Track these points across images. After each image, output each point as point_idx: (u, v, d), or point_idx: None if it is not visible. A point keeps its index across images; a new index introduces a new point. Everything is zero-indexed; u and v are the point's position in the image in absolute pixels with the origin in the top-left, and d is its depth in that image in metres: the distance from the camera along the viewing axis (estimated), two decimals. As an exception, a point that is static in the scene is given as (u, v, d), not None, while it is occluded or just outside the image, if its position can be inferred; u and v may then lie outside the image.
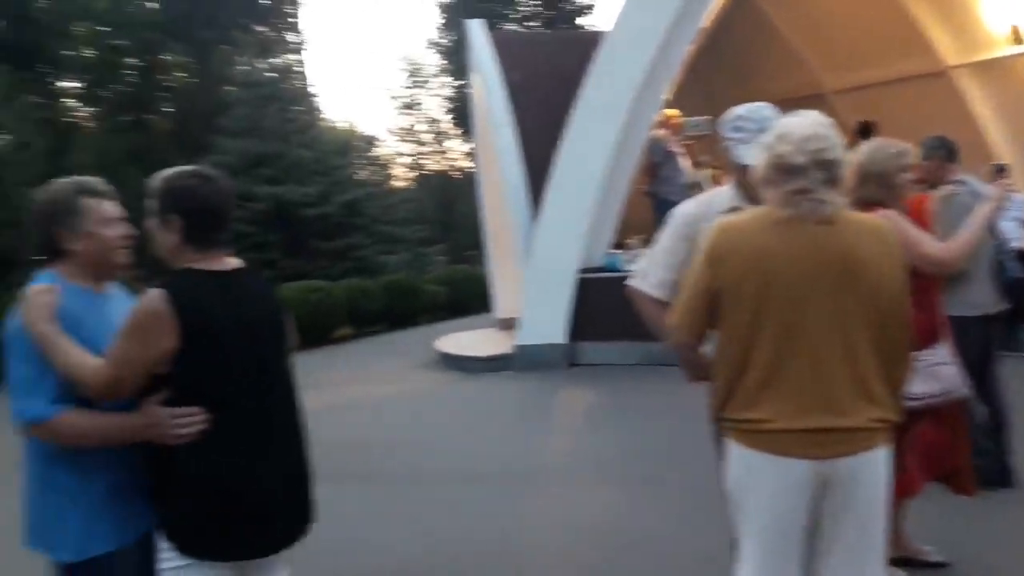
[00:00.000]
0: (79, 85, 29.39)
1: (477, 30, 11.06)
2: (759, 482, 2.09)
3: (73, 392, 2.00)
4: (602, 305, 8.54)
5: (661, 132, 9.29)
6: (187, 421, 1.99)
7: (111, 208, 2.17)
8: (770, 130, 2.28)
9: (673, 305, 2.29)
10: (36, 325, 2.00)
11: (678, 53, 8.93)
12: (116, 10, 27.22)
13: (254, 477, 2.07)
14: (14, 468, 2.13)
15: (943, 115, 10.19)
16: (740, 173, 2.55)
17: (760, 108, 2.56)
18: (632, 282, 2.75)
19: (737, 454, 2.14)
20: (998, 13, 10.45)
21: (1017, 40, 10.33)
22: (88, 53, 28.37)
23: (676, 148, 9.33)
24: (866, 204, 2.95)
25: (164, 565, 2.06)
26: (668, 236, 2.69)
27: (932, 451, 3.24)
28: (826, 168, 2.04)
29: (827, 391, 2.04)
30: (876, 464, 2.09)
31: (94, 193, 2.16)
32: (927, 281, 3.02)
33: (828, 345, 2.04)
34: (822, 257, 2.04)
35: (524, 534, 4.19)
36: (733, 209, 2.52)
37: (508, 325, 9.95)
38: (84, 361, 1.98)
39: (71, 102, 29.76)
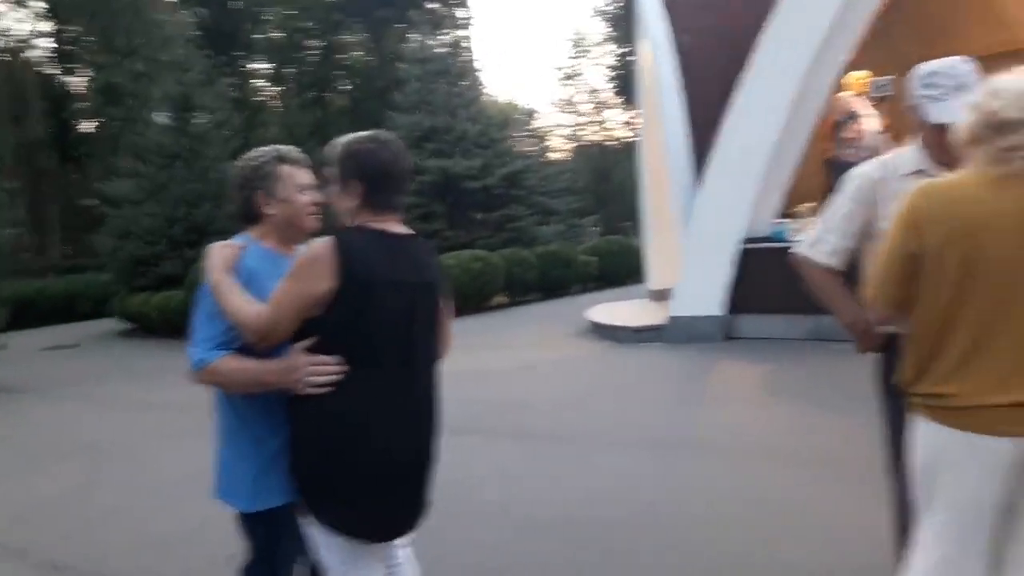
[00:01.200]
0: (268, 66, 31.73)
1: (646, -5, 10.83)
2: (953, 461, 1.97)
3: (238, 340, 2.09)
4: (766, 276, 8.20)
5: (845, 94, 8.73)
6: (323, 370, 2.01)
7: (305, 175, 2.29)
8: (968, 86, 2.16)
9: (870, 276, 2.14)
10: (211, 274, 2.14)
11: (862, 10, 8.32)
12: (305, -6, 28.95)
13: (383, 443, 2.04)
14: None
15: None
16: (930, 133, 2.36)
17: (956, 63, 2.35)
18: (799, 250, 2.58)
19: (928, 431, 2.02)
20: None
21: None
22: (276, 35, 30.50)
23: (862, 110, 8.74)
24: None
25: (306, 521, 2.09)
26: (845, 200, 2.50)
27: None
28: None
29: None
30: None
31: (291, 161, 2.29)
32: None
33: None
34: None
35: (679, 502, 4.12)
36: (919, 172, 2.34)
37: (661, 296, 9.79)
38: (247, 306, 2.07)
39: (260, 83, 32.20)
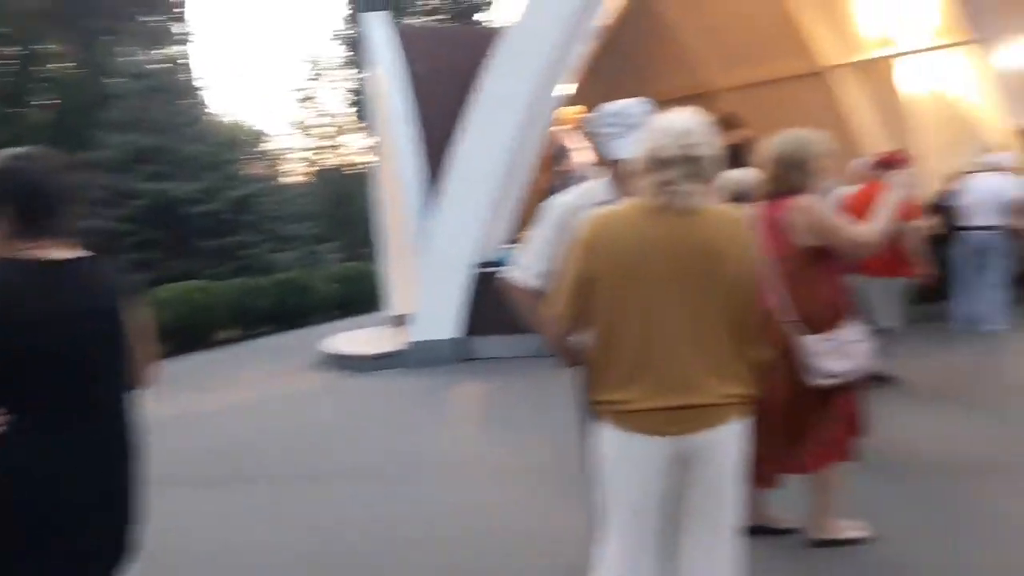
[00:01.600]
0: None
1: (376, 23, 10.81)
2: (623, 460, 2.22)
3: None
4: (497, 299, 8.45)
5: (559, 128, 9.30)
6: None
7: None
8: (640, 125, 2.44)
9: (551, 294, 2.36)
10: None
11: (575, 51, 8.96)
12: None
13: (61, 491, 1.88)
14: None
15: (822, 113, 10.63)
16: (612, 167, 2.64)
17: (630, 105, 2.65)
18: (508, 274, 2.76)
19: (605, 435, 2.25)
20: (870, 16, 11.04)
21: (887, 42, 10.93)
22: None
23: (575, 144, 9.36)
24: (786, 191, 3.21)
25: None
26: (546, 228, 2.73)
27: (853, 418, 3.40)
28: (694, 162, 2.15)
29: (683, 371, 2.17)
30: (729, 438, 2.22)
31: None
32: (833, 262, 3.23)
33: (684, 328, 2.17)
34: (681, 246, 2.16)
35: (408, 527, 4.14)
36: (606, 202, 2.59)
37: (402, 322, 9.76)
38: None
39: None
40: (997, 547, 3.40)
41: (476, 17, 28.89)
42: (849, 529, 3.45)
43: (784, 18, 11.56)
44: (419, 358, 8.50)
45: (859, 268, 5.59)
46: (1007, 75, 10.29)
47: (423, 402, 7.33)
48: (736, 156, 8.58)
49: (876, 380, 5.65)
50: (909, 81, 11.07)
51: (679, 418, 2.16)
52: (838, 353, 3.14)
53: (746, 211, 3.36)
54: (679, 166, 2.14)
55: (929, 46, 10.68)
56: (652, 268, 2.16)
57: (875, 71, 11.30)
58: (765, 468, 3.34)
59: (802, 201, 3.18)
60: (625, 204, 2.30)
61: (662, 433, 2.17)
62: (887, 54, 11.07)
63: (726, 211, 2.30)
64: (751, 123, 8.31)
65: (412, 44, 10.56)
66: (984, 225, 7.61)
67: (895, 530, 3.56)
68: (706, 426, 2.17)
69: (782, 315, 3.15)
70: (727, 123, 9.06)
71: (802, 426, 3.28)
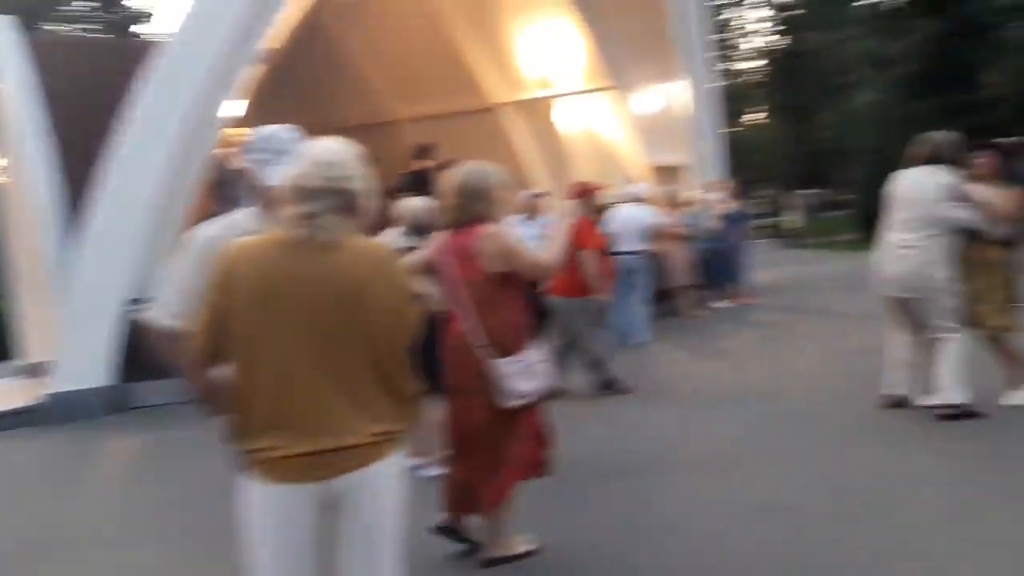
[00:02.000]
0: None
1: (2, 29, 9.26)
2: (269, 510, 2.08)
3: None
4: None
5: (223, 151, 8.68)
6: None
7: None
8: (288, 152, 2.39)
9: (189, 333, 2.18)
10: None
11: (240, 71, 8.49)
12: None
13: None
14: None
15: (492, 146, 11.29)
16: (261, 195, 2.52)
17: (280, 131, 2.57)
18: (146, 313, 2.52)
19: (248, 485, 2.11)
20: (530, 60, 12.02)
21: (545, 84, 11.98)
22: None
23: (240, 168, 8.81)
24: (470, 220, 3.33)
25: None
26: (187, 261, 2.50)
27: (540, 434, 3.53)
28: (340, 194, 2.08)
29: (325, 413, 2.05)
30: (382, 475, 2.13)
31: None
32: (518, 287, 3.40)
33: (325, 367, 2.06)
34: (320, 281, 2.07)
35: None
36: (252, 231, 2.42)
37: (39, 371, 8.43)
38: None
39: None
40: (657, 545, 3.66)
41: (134, 29, 26.57)
42: (521, 544, 3.57)
43: (455, 56, 12.14)
44: (61, 412, 7.42)
45: (554, 290, 6.03)
46: (642, 118, 11.78)
47: (62, 464, 6.33)
48: (419, 185, 8.64)
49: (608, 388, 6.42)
50: (564, 120, 12.20)
51: (324, 462, 2.05)
52: (526, 373, 3.31)
53: (430, 240, 3.42)
54: (323, 198, 2.06)
55: (579, 90, 11.88)
56: (289, 304, 2.05)
57: (536, 110, 12.32)
58: (472, 495, 3.38)
59: (489, 229, 3.32)
60: (265, 235, 2.17)
61: (308, 479, 2.05)
62: (545, 95, 12.11)
63: (372, 245, 2.23)
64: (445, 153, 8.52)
65: (48, 55, 9.32)
66: (629, 250, 8.52)
67: (562, 539, 3.71)
68: (354, 467, 2.08)
69: (474, 340, 3.27)
70: (419, 153, 9.19)
71: (500, 448, 3.35)
